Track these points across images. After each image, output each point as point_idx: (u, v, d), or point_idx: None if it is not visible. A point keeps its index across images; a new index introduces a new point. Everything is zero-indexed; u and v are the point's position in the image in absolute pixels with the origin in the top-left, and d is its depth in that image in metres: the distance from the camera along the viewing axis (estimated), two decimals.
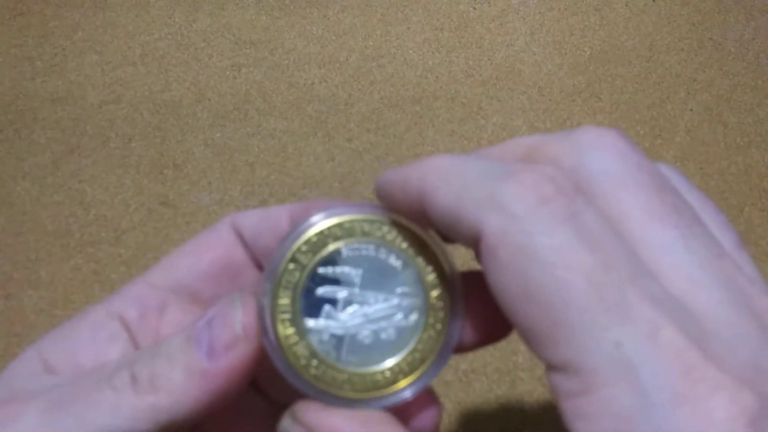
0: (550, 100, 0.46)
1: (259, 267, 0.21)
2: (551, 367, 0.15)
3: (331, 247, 0.19)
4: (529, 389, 0.35)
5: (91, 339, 0.19)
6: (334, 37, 0.49)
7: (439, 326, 0.19)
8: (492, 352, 0.36)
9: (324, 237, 0.19)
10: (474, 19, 0.51)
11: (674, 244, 0.15)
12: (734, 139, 0.45)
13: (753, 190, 0.43)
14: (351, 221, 0.19)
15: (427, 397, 0.20)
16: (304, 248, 0.19)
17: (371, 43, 0.49)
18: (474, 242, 0.16)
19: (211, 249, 0.21)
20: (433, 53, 0.49)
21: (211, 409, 0.18)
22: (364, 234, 0.19)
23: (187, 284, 0.20)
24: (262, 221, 0.21)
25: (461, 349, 0.20)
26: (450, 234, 0.17)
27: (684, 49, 0.50)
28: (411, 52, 0.49)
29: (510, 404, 0.35)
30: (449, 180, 0.17)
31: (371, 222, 0.19)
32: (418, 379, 0.19)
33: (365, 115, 0.45)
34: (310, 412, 0.18)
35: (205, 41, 0.49)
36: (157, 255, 0.39)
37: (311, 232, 0.19)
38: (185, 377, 0.17)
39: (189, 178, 0.42)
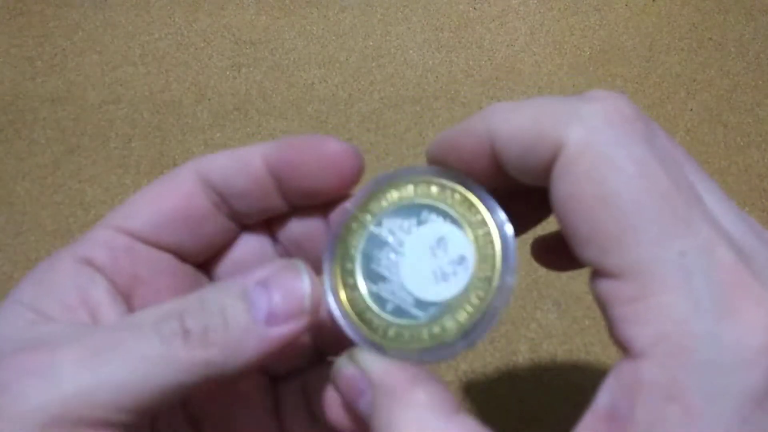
0: None
1: (231, 212, 0.21)
2: (604, 274, 0.16)
3: (413, 201, 0.20)
4: (529, 389, 0.35)
5: (71, 284, 0.19)
6: (334, 37, 0.49)
7: (489, 280, 0.19)
8: (492, 352, 0.36)
9: (381, 199, 0.20)
10: (474, 19, 0.51)
11: (708, 192, 0.17)
12: (734, 139, 0.45)
13: (753, 190, 0.43)
14: (408, 182, 0.20)
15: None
16: (363, 213, 0.20)
17: (371, 43, 0.49)
18: (550, 160, 0.17)
19: (171, 197, 0.20)
20: (433, 53, 0.49)
21: (260, 367, 0.18)
22: (441, 199, 0.20)
23: (147, 231, 0.20)
24: (232, 163, 0.20)
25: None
26: (524, 161, 0.17)
27: (684, 49, 0.50)
28: (411, 52, 0.49)
29: (510, 404, 0.35)
30: (521, 109, 0.17)
31: (427, 183, 0.20)
32: (471, 331, 0.19)
33: (365, 115, 0.45)
34: (368, 356, 0.18)
35: (205, 41, 0.49)
36: None
37: (374, 197, 0.20)
38: (242, 338, 0.17)
39: None
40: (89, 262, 0.19)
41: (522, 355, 0.36)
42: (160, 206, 0.20)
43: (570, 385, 0.35)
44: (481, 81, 0.47)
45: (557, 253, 0.23)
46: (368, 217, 0.20)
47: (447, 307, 0.19)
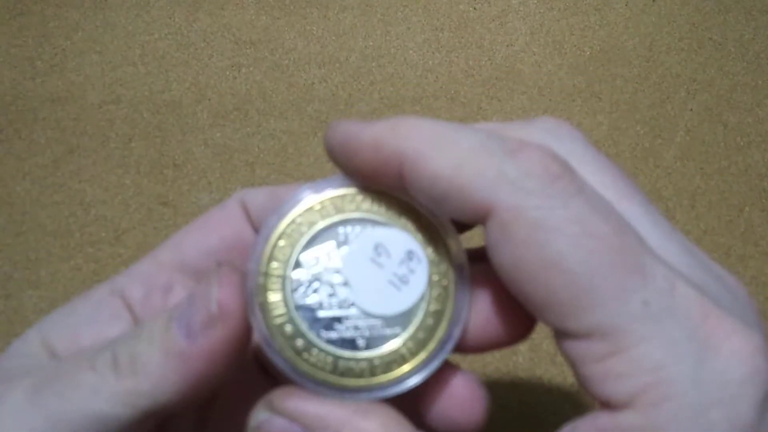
0: (550, 100, 0.46)
1: None
2: (572, 336, 0.15)
3: (321, 224, 0.18)
4: (529, 389, 0.35)
5: (92, 318, 0.18)
6: (334, 37, 0.49)
7: (443, 302, 0.17)
8: (492, 352, 0.36)
9: (312, 214, 0.18)
10: (474, 19, 0.51)
11: (641, 218, 0.16)
12: (734, 139, 0.45)
13: (753, 190, 0.43)
14: (338, 197, 0.18)
15: (467, 384, 0.18)
16: (291, 227, 0.18)
17: (371, 43, 0.49)
18: (476, 218, 0.16)
19: (218, 226, 0.20)
20: (433, 53, 0.49)
21: (195, 392, 0.16)
22: (353, 209, 0.18)
23: (193, 262, 0.20)
24: (270, 200, 0.20)
25: (465, 349, 0.19)
26: (441, 207, 0.16)
27: (684, 49, 0.50)
28: (411, 52, 0.49)
29: (510, 404, 0.35)
30: (442, 148, 0.16)
31: (357, 195, 0.18)
32: (423, 363, 0.17)
33: (365, 115, 0.45)
34: (293, 399, 0.16)
35: (205, 41, 0.49)
36: None
37: (299, 209, 0.18)
38: (163, 360, 0.16)
39: (189, 178, 0.42)
40: (122, 296, 0.19)
41: (522, 355, 0.36)
42: (208, 235, 0.20)
43: (570, 385, 0.35)
44: (481, 81, 0.47)
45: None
46: (277, 266, 0.17)
47: (421, 307, 0.17)
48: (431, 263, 0.17)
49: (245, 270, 0.17)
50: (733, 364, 0.14)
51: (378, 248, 0.17)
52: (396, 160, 0.16)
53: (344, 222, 0.18)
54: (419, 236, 0.17)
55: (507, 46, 0.49)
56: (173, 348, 0.16)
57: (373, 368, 0.17)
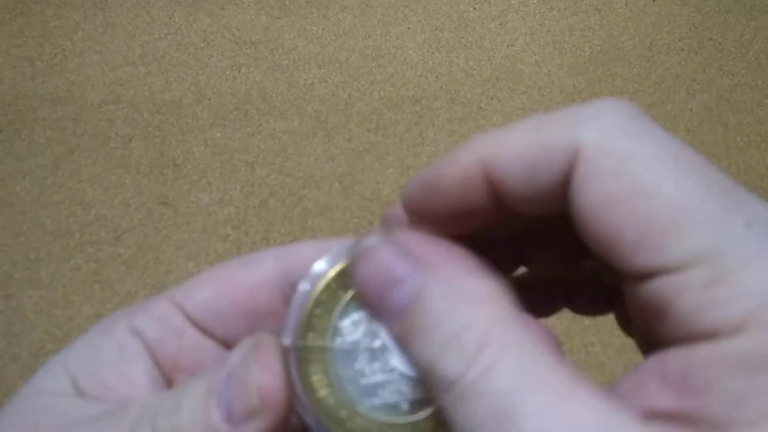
0: (550, 100, 0.46)
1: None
2: (663, 272, 0.14)
3: (335, 315, 0.17)
4: None
5: (116, 359, 0.18)
6: (334, 37, 0.49)
7: None
8: None
9: (345, 278, 0.17)
10: (474, 19, 0.51)
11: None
12: (734, 139, 0.45)
13: (753, 190, 0.43)
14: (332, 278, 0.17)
15: None
16: (326, 293, 0.17)
17: (371, 43, 0.49)
18: (564, 171, 0.15)
19: (238, 286, 0.19)
20: (433, 53, 0.49)
21: None
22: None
23: (202, 318, 0.19)
24: (310, 254, 0.19)
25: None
26: (527, 187, 0.15)
27: (684, 49, 0.50)
28: (411, 52, 0.49)
29: None
30: (514, 130, 0.15)
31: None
32: None
33: (365, 115, 0.45)
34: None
35: (205, 41, 0.49)
36: (157, 255, 0.39)
37: (331, 273, 0.17)
38: None
39: (189, 178, 0.42)
40: (140, 335, 0.19)
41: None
42: (222, 293, 0.19)
43: None
44: (481, 81, 0.47)
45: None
46: (315, 336, 0.17)
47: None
48: None
49: (281, 343, 0.17)
50: None
51: None
52: (477, 168, 0.16)
53: None
54: None
55: (507, 46, 0.49)
56: (215, 430, 0.16)
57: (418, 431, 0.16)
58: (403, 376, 0.16)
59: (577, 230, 0.15)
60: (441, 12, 0.51)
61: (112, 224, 0.40)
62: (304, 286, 0.17)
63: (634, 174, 0.14)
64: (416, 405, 0.16)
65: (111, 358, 0.19)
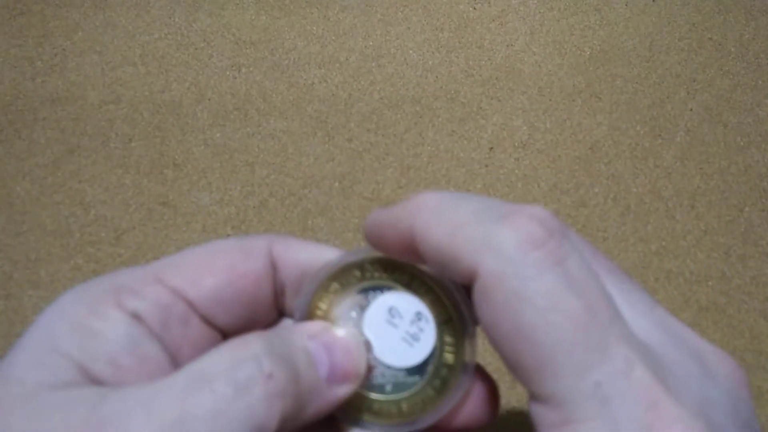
0: (550, 100, 0.46)
1: (284, 303, 0.21)
2: (534, 398, 0.17)
3: (351, 289, 0.21)
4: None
5: (123, 341, 0.17)
6: (334, 37, 0.49)
7: (451, 319, 0.20)
8: (492, 352, 0.36)
9: (346, 283, 0.21)
10: (474, 19, 0.51)
11: (620, 294, 0.18)
12: (734, 139, 0.45)
13: (753, 190, 0.43)
14: (356, 265, 0.21)
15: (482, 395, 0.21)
16: (329, 299, 0.21)
17: (371, 43, 0.49)
18: (468, 280, 0.17)
19: (242, 277, 0.20)
20: (433, 53, 0.49)
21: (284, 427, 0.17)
22: (370, 278, 0.21)
23: (207, 307, 0.19)
24: (306, 258, 0.21)
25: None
26: (444, 271, 0.18)
27: (684, 49, 0.50)
28: (411, 52, 0.49)
29: (510, 404, 0.35)
30: (442, 218, 0.18)
31: (372, 264, 0.21)
32: (443, 403, 0.20)
33: (365, 115, 0.45)
34: None
35: (205, 41, 0.49)
36: (157, 255, 0.39)
37: (331, 279, 0.21)
38: (310, 394, 0.17)
39: (189, 178, 0.42)
40: (139, 319, 0.18)
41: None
42: (231, 282, 0.20)
43: None
44: (481, 81, 0.47)
45: None
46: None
47: (434, 357, 0.20)
48: (437, 321, 0.20)
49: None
50: None
51: (391, 310, 0.20)
52: (409, 234, 0.18)
53: (365, 289, 0.21)
54: (426, 298, 0.20)
55: (507, 46, 0.49)
56: (318, 387, 0.18)
57: (401, 408, 0.20)
58: (382, 365, 0.20)
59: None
60: (441, 12, 0.51)
61: (112, 224, 0.40)
62: (303, 298, 0.20)
63: (515, 314, 0.16)
64: (398, 387, 0.20)
65: (117, 339, 0.18)
